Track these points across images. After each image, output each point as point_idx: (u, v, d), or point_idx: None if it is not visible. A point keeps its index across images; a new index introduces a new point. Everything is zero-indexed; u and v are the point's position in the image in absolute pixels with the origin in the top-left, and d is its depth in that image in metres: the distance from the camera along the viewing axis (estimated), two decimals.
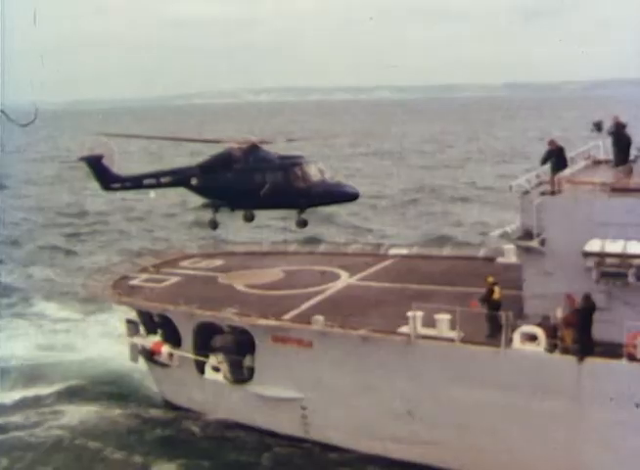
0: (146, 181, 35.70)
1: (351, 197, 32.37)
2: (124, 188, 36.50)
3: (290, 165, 32.33)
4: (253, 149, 33.32)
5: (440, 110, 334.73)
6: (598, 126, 28.54)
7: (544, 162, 26.24)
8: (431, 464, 25.77)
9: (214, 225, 35.18)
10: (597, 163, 29.27)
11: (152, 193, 36.61)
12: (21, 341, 39.38)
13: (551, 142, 26.62)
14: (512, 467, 24.33)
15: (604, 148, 29.25)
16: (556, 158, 26.17)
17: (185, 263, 37.27)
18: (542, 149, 27.49)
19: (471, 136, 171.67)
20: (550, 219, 24.57)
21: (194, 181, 34.37)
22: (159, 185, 35.57)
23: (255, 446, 28.68)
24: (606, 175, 26.31)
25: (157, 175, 35.72)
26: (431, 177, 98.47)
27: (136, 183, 36.04)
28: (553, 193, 25.00)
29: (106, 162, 35.93)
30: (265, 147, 33.92)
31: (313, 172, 32.19)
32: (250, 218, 33.92)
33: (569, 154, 28.38)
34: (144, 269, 36.14)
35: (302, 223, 33.58)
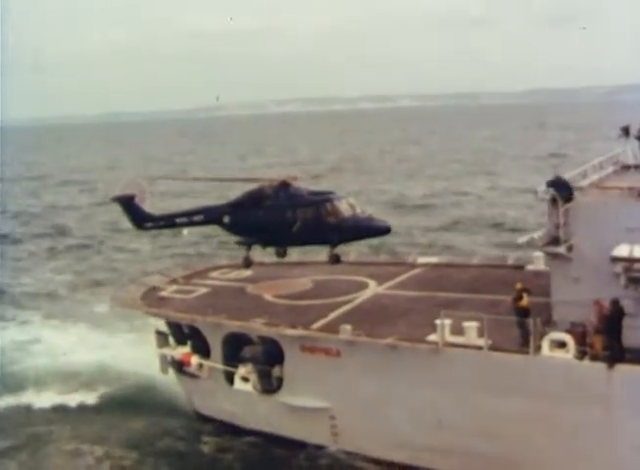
0: (178, 220, 36.07)
1: (383, 231, 32.20)
2: (157, 227, 36.93)
3: (320, 202, 32.39)
4: (284, 186, 33.51)
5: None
6: (626, 131, 28.40)
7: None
8: None
9: (248, 264, 35.42)
10: (625, 167, 29.06)
11: (184, 231, 37.09)
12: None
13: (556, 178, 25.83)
14: None
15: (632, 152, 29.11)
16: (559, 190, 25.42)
17: (214, 274, 37.51)
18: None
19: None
20: (577, 225, 24.43)
21: (226, 219, 34.62)
22: (191, 224, 36.00)
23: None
24: (634, 180, 26.11)
25: (189, 214, 36.09)
26: None
27: (169, 222, 36.44)
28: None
29: (137, 201, 36.37)
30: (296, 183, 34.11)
31: (344, 207, 32.15)
32: (282, 254, 34.23)
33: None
34: (173, 281, 36.45)
35: (335, 259, 33.49)
